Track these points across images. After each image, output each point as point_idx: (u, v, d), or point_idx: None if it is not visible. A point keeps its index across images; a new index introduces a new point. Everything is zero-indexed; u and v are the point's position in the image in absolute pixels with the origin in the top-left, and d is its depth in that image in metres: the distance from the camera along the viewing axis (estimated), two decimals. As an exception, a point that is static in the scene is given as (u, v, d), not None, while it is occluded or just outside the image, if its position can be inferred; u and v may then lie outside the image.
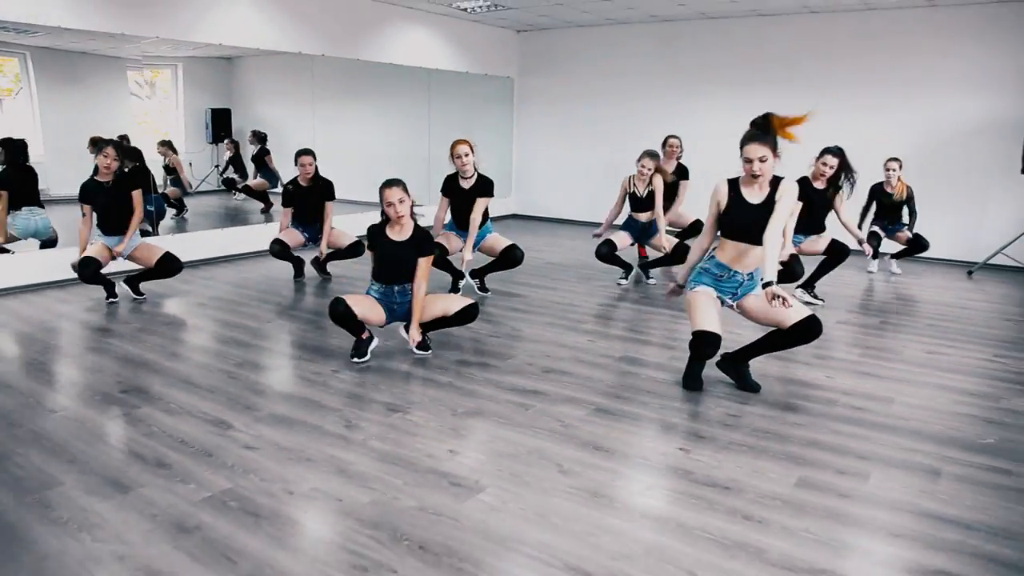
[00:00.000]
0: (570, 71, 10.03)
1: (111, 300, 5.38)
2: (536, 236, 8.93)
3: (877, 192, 6.80)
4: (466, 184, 5.52)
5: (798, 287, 5.62)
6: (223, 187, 9.17)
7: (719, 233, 3.62)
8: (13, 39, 7.00)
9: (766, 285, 3.23)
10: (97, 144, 5.43)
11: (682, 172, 6.85)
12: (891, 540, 2.37)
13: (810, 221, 5.51)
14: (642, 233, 6.20)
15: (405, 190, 4.06)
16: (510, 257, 5.63)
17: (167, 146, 8.02)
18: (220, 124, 9.19)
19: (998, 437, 3.19)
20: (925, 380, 3.94)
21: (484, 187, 5.51)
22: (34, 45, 7.37)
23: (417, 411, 3.43)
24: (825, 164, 5.36)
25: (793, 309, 3.45)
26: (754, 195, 3.50)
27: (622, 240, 6.15)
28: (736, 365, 3.78)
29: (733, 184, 3.55)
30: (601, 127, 9.87)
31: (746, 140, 3.45)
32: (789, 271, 5.24)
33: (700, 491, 2.67)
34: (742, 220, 3.47)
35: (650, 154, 6.06)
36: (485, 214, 5.55)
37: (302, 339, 4.61)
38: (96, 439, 3.09)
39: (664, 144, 6.96)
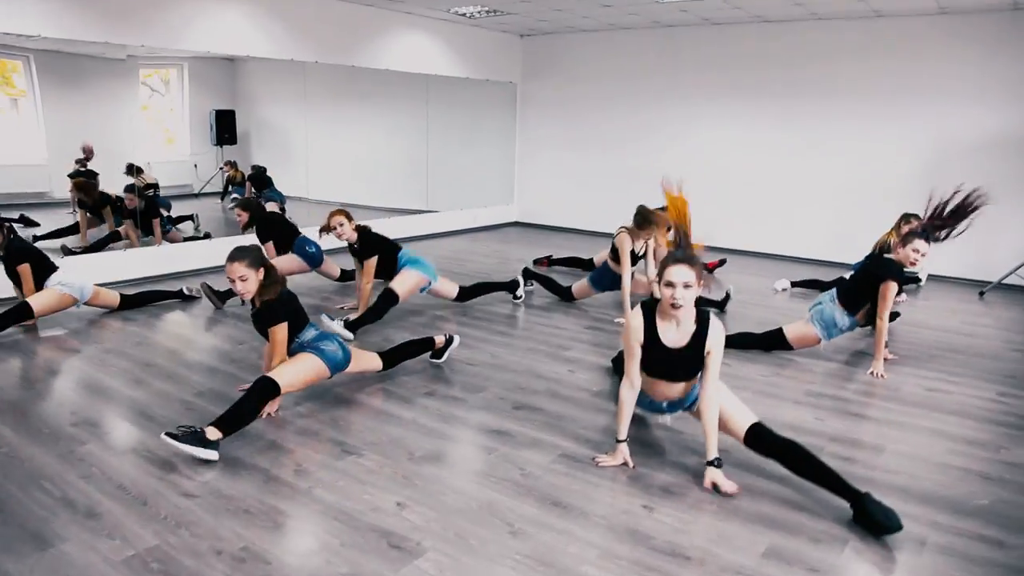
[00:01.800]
0: (574, 76, 9.80)
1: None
2: (534, 247, 8.72)
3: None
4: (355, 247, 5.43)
5: None
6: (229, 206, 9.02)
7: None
8: (15, 42, 6.92)
9: (709, 464, 2.95)
10: None
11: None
12: (860, 628, 2.16)
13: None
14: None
15: (252, 264, 3.50)
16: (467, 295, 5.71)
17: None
18: (224, 125, 9.06)
19: (992, 498, 2.94)
20: (920, 424, 3.70)
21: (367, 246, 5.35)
22: (38, 48, 7.31)
23: (372, 454, 3.24)
24: (917, 252, 4.38)
25: (735, 414, 3.05)
26: (672, 333, 3.00)
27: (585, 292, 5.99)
28: (858, 507, 2.77)
29: (648, 316, 3.02)
30: (604, 133, 9.64)
31: (669, 262, 2.93)
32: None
33: (657, 561, 2.47)
34: (661, 363, 3.05)
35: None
36: (391, 264, 5.38)
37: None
38: (31, 482, 2.93)
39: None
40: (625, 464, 3.14)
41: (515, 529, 2.65)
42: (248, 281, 3.50)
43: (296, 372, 3.54)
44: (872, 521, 2.63)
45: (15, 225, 6.03)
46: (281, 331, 3.55)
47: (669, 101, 9.02)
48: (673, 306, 2.91)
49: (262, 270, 3.55)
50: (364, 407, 3.79)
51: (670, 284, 2.90)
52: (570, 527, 2.68)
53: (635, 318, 3.04)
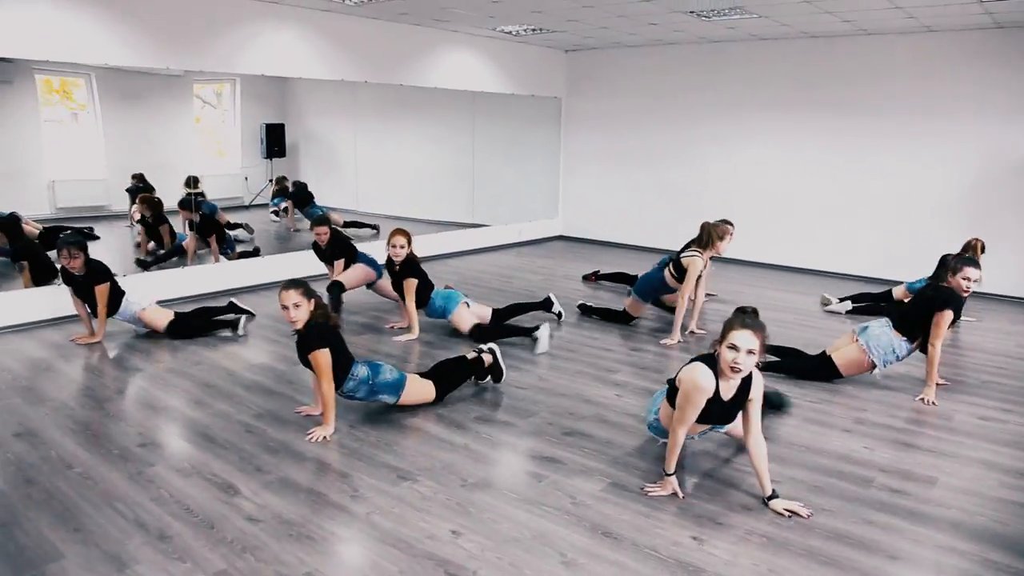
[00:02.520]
0: (619, 92, 9.84)
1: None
2: (580, 261, 8.78)
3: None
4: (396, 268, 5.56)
5: None
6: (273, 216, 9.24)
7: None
8: (80, 60, 7.26)
9: (770, 499, 3.09)
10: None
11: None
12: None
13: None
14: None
15: (305, 293, 3.70)
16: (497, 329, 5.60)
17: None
18: (274, 139, 9.31)
19: (1048, 536, 2.92)
20: (973, 455, 3.66)
21: (408, 268, 5.51)
22: (99, 65, 7.64)
23: (426, 480, 3.34)
24: (968, 279, 4.37)
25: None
26: (728, 390, 3.10)
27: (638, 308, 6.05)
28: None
29: (713, 376, 3.08)
30: (648, 148, 9.66)
31: (736, 325, 2.99)
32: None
33: (708, 596, 2.51)
34: (712, 414, 3.14)
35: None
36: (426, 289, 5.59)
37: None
38: (105, 503, 3.09)
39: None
40: (675, 495, 3.19)
41: (568, 560, 2.72)
42: (300, 308, 3.66)
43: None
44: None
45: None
46: (324, 356, 3.67)
47: (714, 117, 9.00)
48: (733, 370, 2.98)
49: (313, 301, 3.69)
50: (417, 431, 3.90)
51: (734, 348, 2.95)
52: (621, 559, 2.74)
53: (706, 380, 3.04)
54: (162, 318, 5.52)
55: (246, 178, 9.24)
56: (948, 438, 3.88)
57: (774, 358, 4.78)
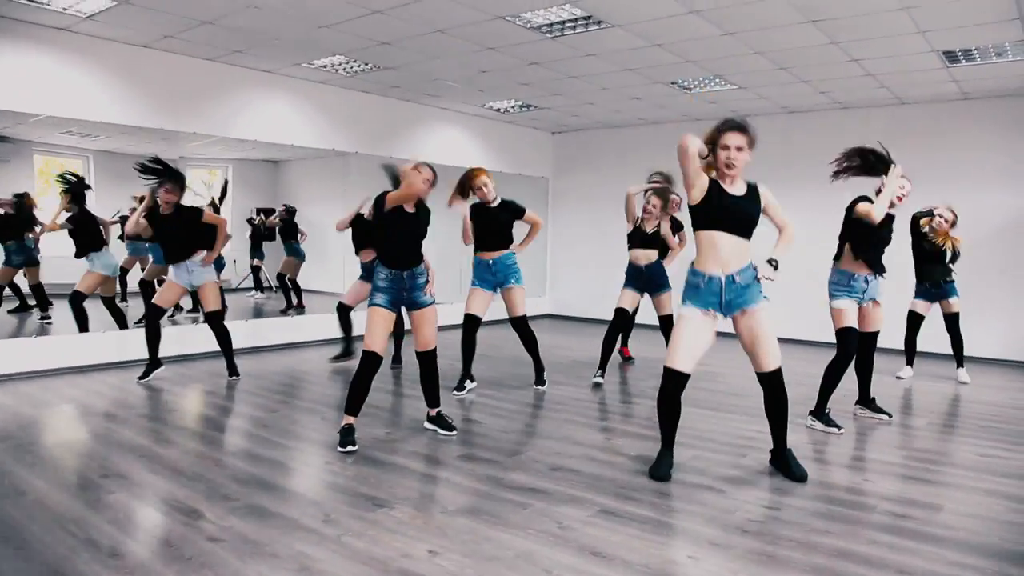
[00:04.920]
0: (604, 170, 10.05)
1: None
2: (566, 335, 8.70)
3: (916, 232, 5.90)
4: (493, 205, 5.44)
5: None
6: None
7: (696, 230, 3.43)
8: (77, 143, 7.37)
9: (769, 261, 3.42)
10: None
11: (677, 225, 6.34)
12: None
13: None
14: (647, 284, 6.02)
15: None
16: (526, 335, 5.55)
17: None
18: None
19: (1064, 553, 2.74)
20: (977, 485, 3.50)
21: (509, 207, 5.47)
22: (96, 149, 7.76)
23: (404, 507, 3.14)
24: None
25: (768, 352, 3.43)
26: (734, 188, 3.36)
27: (632, 300, 6.02)
28: (779, 456, 3.56)
29: (712, 180, 3.36)
30: (635, 225, 9.74)
31: (726, 127, 3.28)
32: None
33: (706, 605, 2.31)
34: (726, 209, 3.31)
35: (658, 193, 5.89)
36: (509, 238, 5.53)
37: (299, 431, 4.39)
38: (55, 525, 2.87)
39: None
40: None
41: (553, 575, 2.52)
42: None
43: None
44: (788, 470, 3.47)
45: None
46: None
47: (698, 191, 9.15)
48: (727, 166, 3.24)
49: None
50: (397, 467, 3.70)
51: (726, 147, 3.23)
52: (609, 574, 2.53)
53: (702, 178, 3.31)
54: (215, 301, 5.56)
55: (235, 260, 9.25)
56: (950, 471, 3.72)
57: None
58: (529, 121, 9.59)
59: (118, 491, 3.26)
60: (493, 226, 5.39)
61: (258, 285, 9.40)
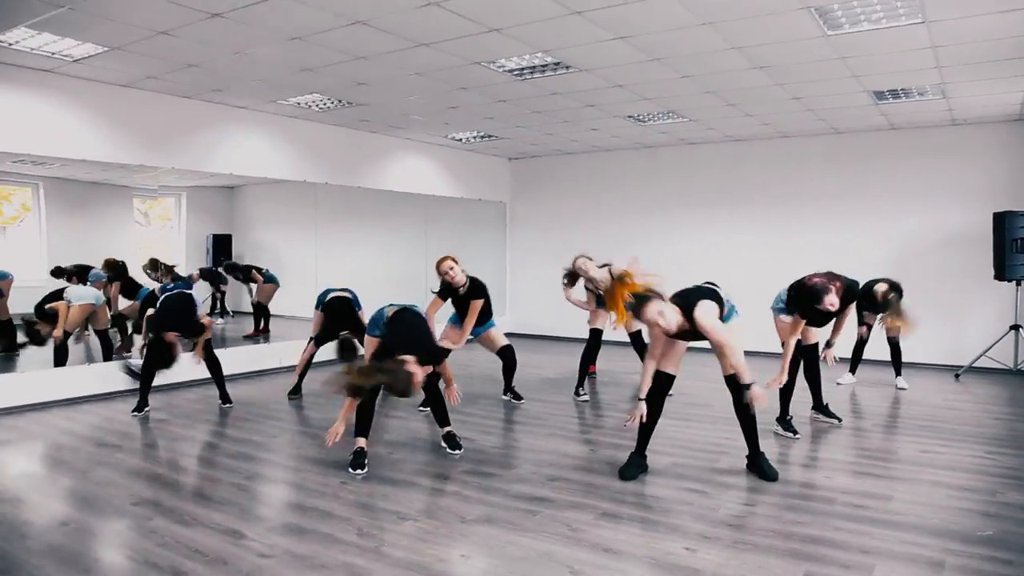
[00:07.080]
0: (560, 195, 10.56)
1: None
2: (532, 353, 9.11)
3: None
4: (461, 292, 5.90)
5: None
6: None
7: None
8: (28, 170, 7.40)
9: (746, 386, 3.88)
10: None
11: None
12: (899, 629, 2.43)
13: None
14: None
15: None
16: (508, 358, 6.09)
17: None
18: (221, 249, 9.53)
19: (996, 529, 3.27)
20: (921, 477, 4.04)
21: (475, 291, 5.90)
22: (47, 176, 7.80)
23: (426, 519, 3.48)
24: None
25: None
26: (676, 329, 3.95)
27: (604, 319, 6.53)
28: (753, 459, 4.09)
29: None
30: (590, 246, 10.12)
31: (634, 314, 3.86)
32: None
33: (710, 587, 2.73)
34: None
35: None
36: (487, 311, 5.98)
37: (306, 453, 4.66)
38: (111, 549, 3.12)
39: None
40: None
41: (576, 571, 2.90)
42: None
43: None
44: (761, 471, 4.00)
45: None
46: None
47: (650, 213, 9.74)
48: (667, 333, 3.86)
49: None
50: (407, 483, 4.03)
51: (653, 324, 3.80)
52: (625, 567, 2.94)
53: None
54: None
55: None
56: (897, 466, 4.26)
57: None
58: (488, 149, 10.02)
59: (156, 517, 3.50)
60: (465, 308, 5.91)
61: (222, 311, 9.50)
